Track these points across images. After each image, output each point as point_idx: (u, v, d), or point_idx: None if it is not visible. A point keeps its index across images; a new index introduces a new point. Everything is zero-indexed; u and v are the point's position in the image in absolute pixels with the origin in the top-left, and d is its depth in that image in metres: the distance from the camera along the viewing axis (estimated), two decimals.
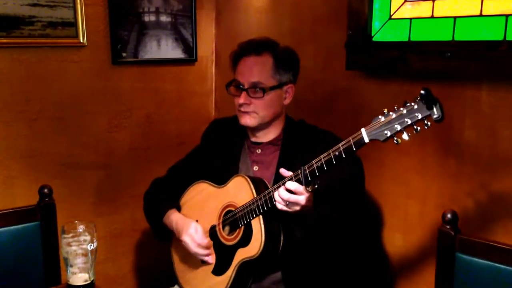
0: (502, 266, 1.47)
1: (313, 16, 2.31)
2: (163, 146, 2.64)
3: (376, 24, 2.04)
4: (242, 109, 1.82)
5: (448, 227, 1.54)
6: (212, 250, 1.84)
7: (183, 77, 2.72)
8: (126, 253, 2.63)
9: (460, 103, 1.85)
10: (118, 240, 2.59)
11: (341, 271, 1.97)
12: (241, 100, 1.81)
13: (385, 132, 1.39)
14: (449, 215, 1.53)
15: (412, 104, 1.36)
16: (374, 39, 2.03)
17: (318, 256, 1.85)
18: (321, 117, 2.25)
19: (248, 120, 1.83)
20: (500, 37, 1.69)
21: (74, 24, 2.32)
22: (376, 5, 2.03)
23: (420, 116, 1.35)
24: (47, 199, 1.81)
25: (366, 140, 1.43)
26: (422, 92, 1.33)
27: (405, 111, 1.37)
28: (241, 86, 1.82)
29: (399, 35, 1.96)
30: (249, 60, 1.83)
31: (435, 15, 1.85)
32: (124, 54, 2.51)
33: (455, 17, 1.80)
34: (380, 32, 2.02)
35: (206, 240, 1.82)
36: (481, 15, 1.73)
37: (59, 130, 2.34)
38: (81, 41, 2.34)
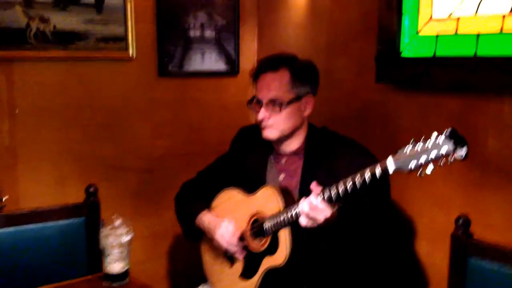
0: None
1: (347, 31, 2.41)
2: (204, 153, 2.75)
3: (405, 40, 2.11)
4: (263, 124, 1.89)
5: (460, 231, 1.58)
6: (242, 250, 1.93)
7: (225, 88, 2.86)
8: (166, 253, 2.79)
9: (484, 114, 1.90)
10: (159, 241, 2.75)
11: (366, 281, 2.03)
12: (260, 116, 1.88)
13: (410, 164, 1.45)
14: (461, 220, 1.57)
15: (438, 139, 1.40)
16: (402, 54, 2.11)
17: (344, 270, 1.89)
18: (352, 126, 2.34)
19: (268, 134, 1.89)
20: None
21: (124, 39, 2.51)
22: (406, 22, 2.11)
23: (445, 152, 1.39)
24: (92, 197, 1.98)
25: (391, 171, 1.49)
26: (448, 131, 1.37)
27: (430, 145, 1.41)
28: (260, 102, 1.89)
29: (426, 51, 2.03)
30: (266, 77, 1.89)
31: (459, 32, 1.92)
32: (170, 67, 2.68)
33: (478, 34, 1.86)
34: (408, 48, 2.10)
35: (236, 238, 1.90)
36: (501, 32, 1.78)
37: (108, 136, 2.52)
38: (131, 54, 2.53)
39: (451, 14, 1.94)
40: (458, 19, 1.91)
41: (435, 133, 1.42)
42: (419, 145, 1.44)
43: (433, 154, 1.41)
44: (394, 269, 2.23)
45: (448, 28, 1.95)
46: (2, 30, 2.23)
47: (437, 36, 1.99)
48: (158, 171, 2.69)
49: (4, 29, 2.23)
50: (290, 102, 1.86)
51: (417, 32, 2.06)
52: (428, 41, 2.02)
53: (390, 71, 2.14)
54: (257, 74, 1.93)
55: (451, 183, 2.01)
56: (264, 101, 1.88)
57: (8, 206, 2.05)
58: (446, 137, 1.39)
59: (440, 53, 1.98)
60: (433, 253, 2.09)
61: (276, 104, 1.86)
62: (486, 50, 1.83)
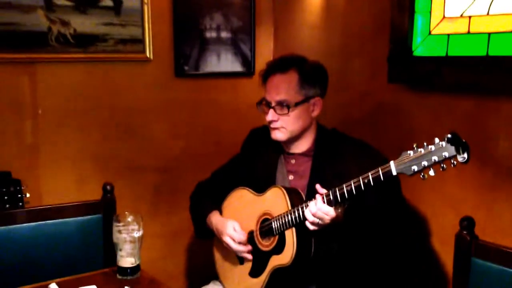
0: None
1: (361, 32, 2.43)
2: (219, 153, 2.78)
3: (418, 39, 2.12)
4: (272, 125, 1.92)
5: (464, 232, 1.59)
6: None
7: (240, 89, 2.89)
8: (182, 251, 2.84)
9: (495, 115, 1.90)
10: (177, 239, 2.79)
11: (376, 281, 2.04)
12: (269, 117, 1.91)
13: (413, 167, 1.48)
14: (465, 221, 1.59)
15: (441, 143, 1.43)
16: (414, 53, 2.12)
17: (353, 269, 1.92)
18: (365, 127, 2.36)
19: (278, 135, 1.93)
20: None
21: (142, 41, 2.56)
22: (419, 22, 2.12)
23: (447, 155, 1.42)
24: (109, 195, 2.04)
25: (394, 173, 1.53)
26: (449, 136, 1.40)
27: (433, 149, 1.44)
28: (269, 104, 1.92)
29: (438, 50, 2.04)
30: (275, 78, 1.91)
31: (471, 31, 1.92)
32: (186, 68, 2.73)
33: (489, 33, 1.86)
34: (421, 47, 2.10)
35: (244, 237, 1.95)
36: None
37: (126, 136, 2.58)
38: (148, 56, 2.58)
39: (463, 13, 1.95)
40: (470, 18, 1.92)
41: (437, 139, 1.45)
42: (422, 149, 1.47)
43: (434, 158, 1.44)
44: (405, 267, 2.24)
45: (460, 28, 1.95)
46: (25, 33, 2.30)
47: (449, 36, 1.99)
48: (174, 170, 2.74)
49: (27, 33, 2.30)
50: (298, 104, 1.89)
51: (430, 32, 2.06)
52: (440, 41, 2.02)
53: (402, 70, 2.15)
54: (266, 75, 1.96)
55: (463, 184, 2.02)
56: (273, 103, 1.90)
57: (31, 203, 2.13)
58: (447, 141, 1.41)
59: (452, 52, 1.98)
60: (444, 253, 2.10)
61: (284, 106, 1.88)
62: (497, 50, 1.83)
